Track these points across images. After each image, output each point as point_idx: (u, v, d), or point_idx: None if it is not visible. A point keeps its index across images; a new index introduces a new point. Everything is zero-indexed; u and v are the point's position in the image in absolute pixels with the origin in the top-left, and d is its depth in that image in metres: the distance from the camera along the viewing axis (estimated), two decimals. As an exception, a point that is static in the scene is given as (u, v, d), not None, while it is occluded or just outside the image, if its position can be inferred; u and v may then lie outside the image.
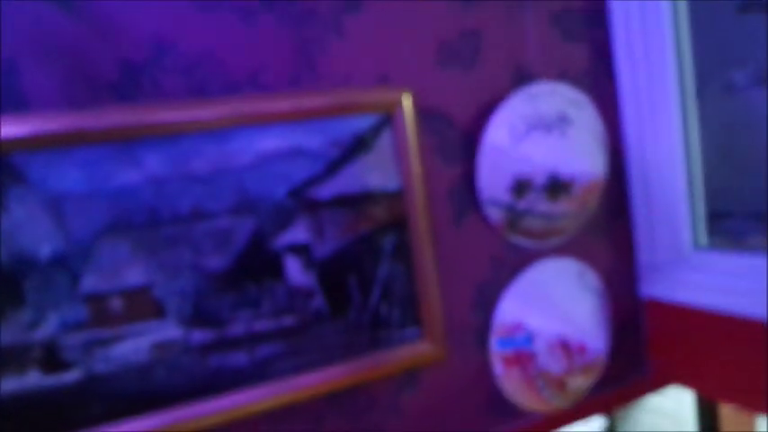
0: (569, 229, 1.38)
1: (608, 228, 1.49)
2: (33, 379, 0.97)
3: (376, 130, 1.18)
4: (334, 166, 1.15)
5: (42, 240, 0.96)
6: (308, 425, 1.18)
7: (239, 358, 1.10)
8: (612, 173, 1.45)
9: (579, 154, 1.24)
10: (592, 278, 1.42)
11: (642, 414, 4.03)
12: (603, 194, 1.43)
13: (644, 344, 1.56)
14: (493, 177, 1.26)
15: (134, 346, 1.03)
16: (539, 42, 1.35)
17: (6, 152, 0.93)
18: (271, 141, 1.10)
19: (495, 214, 1.30)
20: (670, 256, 1.46)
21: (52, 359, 0.98)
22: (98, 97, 1.00)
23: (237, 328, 1.09)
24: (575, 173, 1.22)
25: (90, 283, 0.99)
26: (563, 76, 1.40)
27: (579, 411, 1.49)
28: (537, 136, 1.24)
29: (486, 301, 1.34)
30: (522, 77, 1.34)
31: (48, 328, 0.97)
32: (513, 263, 1.36)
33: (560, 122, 1.25)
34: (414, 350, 1.24)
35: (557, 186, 1.23)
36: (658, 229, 1.47)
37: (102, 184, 0.99)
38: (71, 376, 0.99)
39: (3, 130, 0.92)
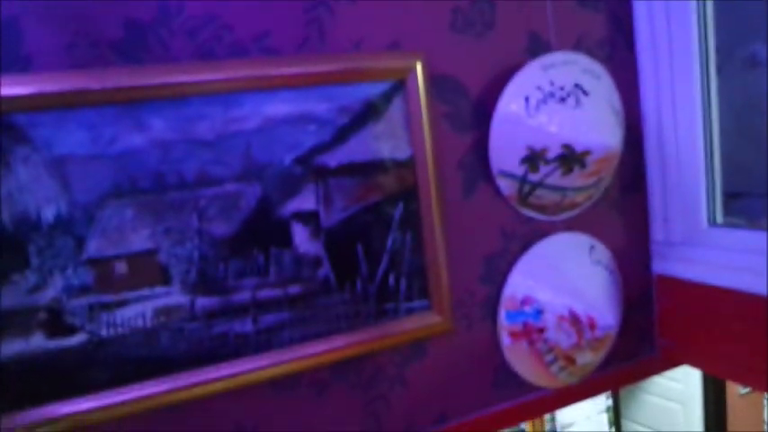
0: (582, 203, 1.35)
1: (622, 203, 1.46)
2: (37, 342, 0.97)
3: (387, 97, 1.15)
4: (343, 134, 1.12)
5: (46, 203, 0.94)
6: (312, 394, 1.17)
7: (244, 326, 1.09)
8: (628, 147, 1.41)
9: (594, 126, 1.20)
10: (603, 253, 1.40)
11: (648, 396, 4.04)
12: (618, 169, 1.40)
13: (654, 322, 1.54)
14: (505, 148, 1.23)
15: (138, 311, 1.02)
16: (555, 10, 1.31)
17: (9, 111, 0.91)
18: (278, 107, 1.07)
19: (506, 186, 1.27)
20: (684, 233, 1.44)
21: (56, 323, 0.98)
22: (102, 57, 0.97)
23: (243, 295, 1.08)
24: (589, 145, 1.19)
25: (94, 246, 0.98)
26: (579, 45, 1.36)
27: (587, 389, 1.48)
28: (551, 107, 1.21)
29: (495, 273, 1.32)
30: (537, 46, 1.30)
31: (52, 292, 0.97)
32: (523, 236, 1.34)
33: (576, 93, 1.21)
34: (421, 321, 1.22)
35: (571, 159, 1.20)
36: (673, 206, 1.44)
37: (107, 147, 0.97)
38: (75, 340, 0.99)
39: (6, 89, 0.90)
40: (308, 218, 1.11)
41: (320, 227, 1.13)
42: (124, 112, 0.98)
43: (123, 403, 1.02)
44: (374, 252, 1.18)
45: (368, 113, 1.14)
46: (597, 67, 1.29)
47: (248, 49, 1.07)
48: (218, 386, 1.08)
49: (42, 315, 0.96)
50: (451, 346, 1.29)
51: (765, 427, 3.80)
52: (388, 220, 1.18)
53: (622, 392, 3.82)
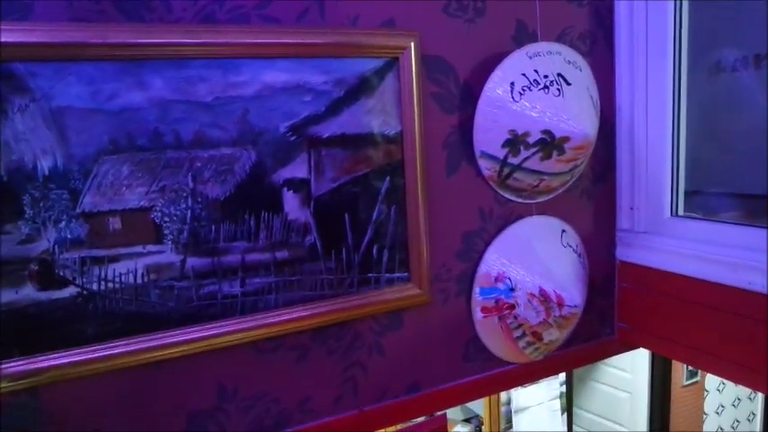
0: (557, 188, 1.42)
1: (592, 191, 1.54)
2: (28, 293, 0.97)
3: (380, 74, 1.18)
4: (336, 106, 1.15)
5: (43, 154, 0.95)
6: (293, 357, 1.21)
7: (232, 288, 1.12)
8: (601, 138, 1.49)
9: (575, 115, 1.26)
10: (573, 238, 1.48)
11: (598, 385, 4.22)
12: (591, 158, 1.47)
13: (614, 305, 1.63)
14: (488, 131, 1.29)
15: (130, 267, 1.03)
16: (542, 1, 1.37)
17: (9, 59, 0.91)
18: (276, 75, 1.09)
19: (487, 167, 1.33)
20: (648, 223, 1.52)
21: (48, 275, 0.98)
22: (104, 13, 0.98)
23: (233, 258, 1.11)
24: (568, 132, 1.25)
25: (89, 201, 0.99)
26: (563, 37, 1.42)
27: (550, 365, 1.56)
28: (535, 94, 1.26)
29: (472, 251, 1.38)
30: (523, 35, 1.36)
31: (44, 244, 0.97)
32: (500, 216, 1.40)
33: (558, 82, 1.28)
34: (400, 293, 1.27)
35: (550, 144, 1.27)
36: (639, 196, 1.53)
37: (107, 103, 0.98)
38: (66, 293, 1.00)
39: (5, 36, 0.89)
40: (300, 186, 1.15)
41: (310, 195, 1.16)
42: (124, 70, 0.98)
43: (110, 357, 1.03)
44: (360, 223, 1.22)
45: (361, 88, 1.17)
46: (579, 59, 1.35)
47: (249, 16, 1.08)
48: (204, 345, 1.11)
49: (34, 267, 0.97)
50: (427, 318, 1.35)
51: (704, 415, 4.04)
52: (375, 193, 1.22)
53: (574, 380, 3.98)
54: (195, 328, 1.10)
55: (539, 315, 1.35)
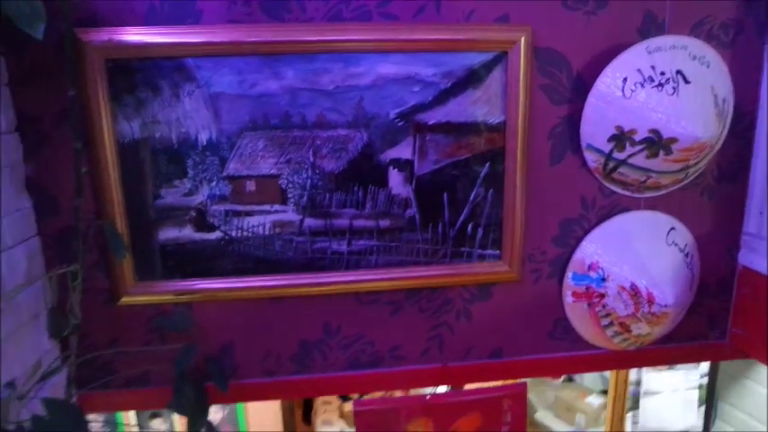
0: (668, 185, 1.40)
1: (716, 190, 1.47)
2: (187, 233, 1.28)
3: (488, 67, 1.27)
4: (443, 96, 1.27)
5: (202, 129, 1.22)
6: (388, 310, 1.41)
7: (340, 246, 1.34)
8: (735, 134, 1.41)
9: (686, 116, 1.23)
10: (683, 236, 1.45)
11: (754, 385, 3.85)
12: (717, 156, 1.41)
13: (730, 310, 1.56)
14: (596, 124, 1.31)
15: (260, 221, 1.29)
16: (677, -9, 1.31)
17: (183, 56, 1.18)
18: (390, 67, 1.24)
19: (593, 160, 1.36)
20: (778, 230, 1.43)
21: (202, 221, 1.28)
22: (252, 15, 1.20)
23: (342, 221, 1.32)
24: (677, 134, 1.23)
25: (233, 167, 1.25)
26: (700, 27, 1.35)
27: (645, 358, 1.57)
28: (647, 91, 1.25)
29: (570, 237, 1.43)
30: (650, 27, 1.32)
31: (200, 197, 1.27)
32: (603, 207, 1.42)
33: (675, 80, 1.24)
34: (490, 268, 1.39)
35: (657, 144, 1.26)
36: (772, 201, 1.43)
37: (249, 90, 1.21)
38: (213, 236, 1.29)
39: (183, 37, 1.16)
40: (404, 165, 1.30)
41: (413, 174, 1.31)
42: (265, 63, 1.21)
43: (243, 289, 1.32)
44: (457, 202, 1.35)
45: (469, 80, 1.27)
46: (710, 54, 1.29)
47: (371, 14, 1.23)
48: (315, 290, 1.35)
49: (192, 213, 1.27)
50: (516, 294, 1.45)
51: None
52: (474, 177, 1.34)
53: (721, 375, 3.70)
54: (308, 275, 1.34)
55: (627, 308, 1.38)
